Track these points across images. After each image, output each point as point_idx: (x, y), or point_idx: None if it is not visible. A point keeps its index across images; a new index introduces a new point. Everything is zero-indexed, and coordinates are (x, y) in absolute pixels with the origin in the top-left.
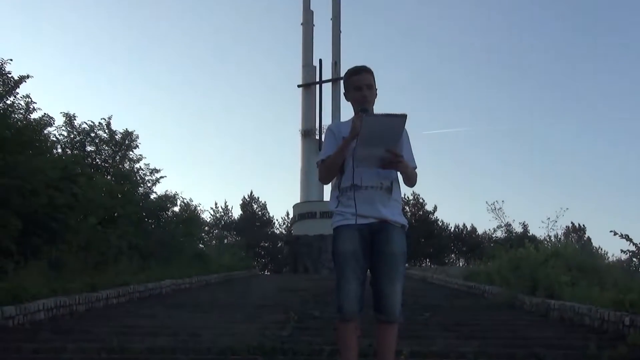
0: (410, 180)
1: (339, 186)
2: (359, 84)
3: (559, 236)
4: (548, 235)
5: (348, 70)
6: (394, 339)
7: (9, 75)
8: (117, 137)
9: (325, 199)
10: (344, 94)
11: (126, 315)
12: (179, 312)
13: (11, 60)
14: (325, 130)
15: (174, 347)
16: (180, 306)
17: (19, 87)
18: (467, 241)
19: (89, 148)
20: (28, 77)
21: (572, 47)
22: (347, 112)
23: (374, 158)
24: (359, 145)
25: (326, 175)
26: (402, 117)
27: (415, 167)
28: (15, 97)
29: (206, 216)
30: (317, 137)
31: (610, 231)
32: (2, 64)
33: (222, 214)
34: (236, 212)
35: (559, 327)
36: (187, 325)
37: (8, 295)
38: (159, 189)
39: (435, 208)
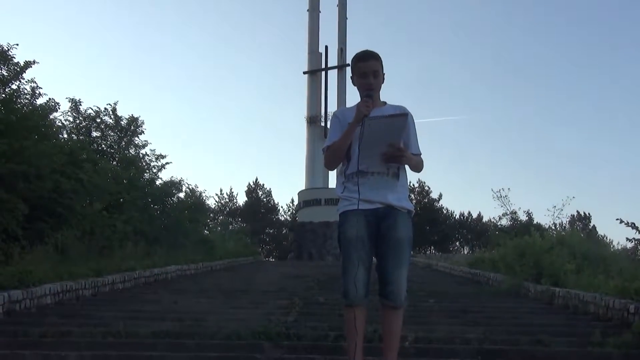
0: (417, 168)
1: (345, 172)
2: (364, 70)
3: (564, 224)
4: (553, 223)
5: (355, 54)
6: (399, 324)
7: (14, 61)
8: (122, 122)
9: (330, 186)
10: (351, 77)
11: (132, 300)
12: (185, 297)
13: (17, 44)
14: (330, 116)
15: (179, 332)
16: (185, 291)
17: (24, 72)
18: (472, 229)
19: (94, 134)
20: (34, 62)
21: (584, 35)
22: (353, 99)
23: (377, 155)
24: (362, 147)
25: (332, 161)
26: (404, 117)
27: (420, 154)
28: (20, 82)
29: (211, 203)
30: (323, 124)
31: (617, 219)
32: (8, 49)
33: (227, 200)
34: (241, 199)
35: (563, 315)
36: (193, 311)
37: (15, 279)
38: (165, 175)
39: (440, 196)
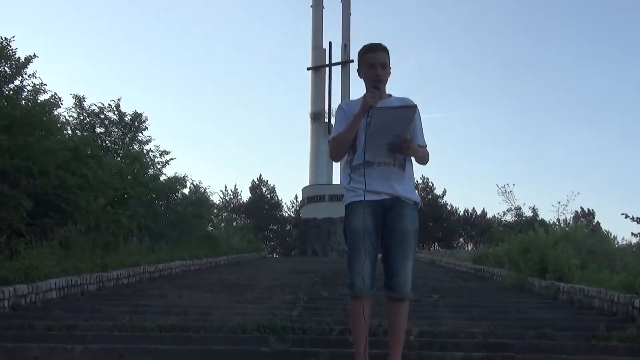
0: (422, 160)
1: (351, 163)
2: (373, 61)
3: (569, 220)
4: (557, 219)
5: (364, 46)
6: (405, 316)
7: (15, 56)
8: (126, 118)
9: (334, 182)
10: (358, 70)
11: (137, 294)
12: (189, 292)
13: (14, 37)
14: (336, 109)
15: (185, 326)
16: (190, 286)
17: (26, 67)
18: (476, 225)
19: (98, 129)
20: (35, 56)
21: (593, 28)
22: (357, 95)
23: (384, 145)
24: (369, 137)
25: (337, 153)
26: (412, 109)
27: (426, 145)
28: (22, 77)
29: (215, 199)
30: (327, 120)
31: (622, 214)
32: (8, 44)
33: (232, 196)
34: (245, 195)
35: (568, 309)
36: (198, 305)
37: (20, 274)
38: (169, 171)
39: (444, 192)
